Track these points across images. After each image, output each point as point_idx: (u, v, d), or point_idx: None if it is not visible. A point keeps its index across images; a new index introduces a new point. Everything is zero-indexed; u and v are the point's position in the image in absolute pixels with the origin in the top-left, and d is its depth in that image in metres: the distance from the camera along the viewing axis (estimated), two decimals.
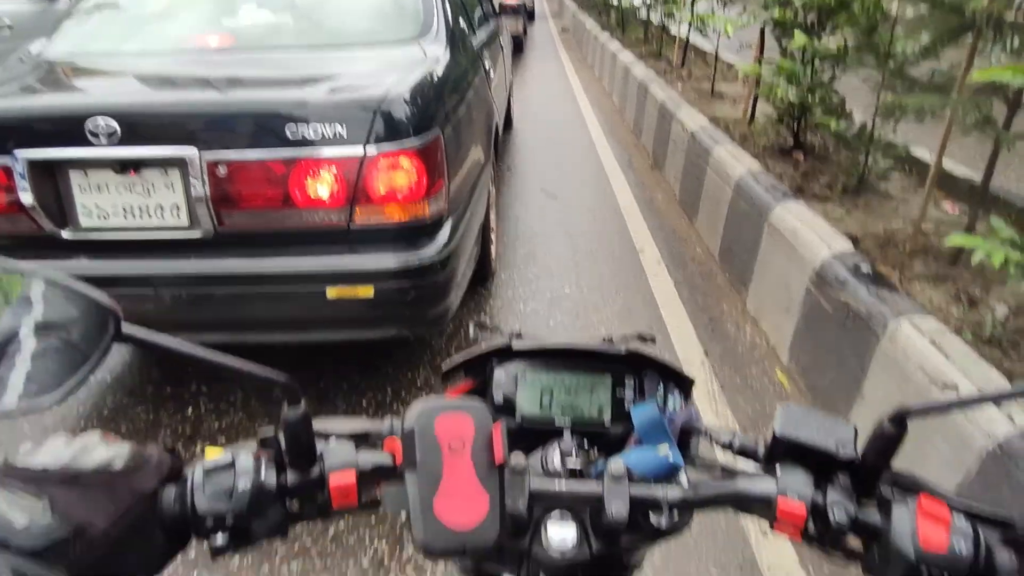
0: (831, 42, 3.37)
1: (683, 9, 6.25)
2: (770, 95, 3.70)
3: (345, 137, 1.79)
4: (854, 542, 0.50)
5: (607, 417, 0.68)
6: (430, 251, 1.93)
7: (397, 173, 1.84)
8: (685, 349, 2.69)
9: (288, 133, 1.78)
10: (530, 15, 14.44)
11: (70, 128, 1.75)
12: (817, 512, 0.48)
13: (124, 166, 1.82)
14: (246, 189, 1.83)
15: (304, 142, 1.79)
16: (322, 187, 1.83)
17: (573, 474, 0.58)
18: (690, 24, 5.58)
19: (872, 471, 0.48)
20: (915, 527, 0.45)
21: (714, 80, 5.64)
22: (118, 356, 2.59)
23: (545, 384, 0.69)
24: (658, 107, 5.07)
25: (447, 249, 1.98)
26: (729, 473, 0.55)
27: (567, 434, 0.61)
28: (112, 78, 2.25)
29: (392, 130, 1.82)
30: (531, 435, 0.66)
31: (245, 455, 0.48)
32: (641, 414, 0.64)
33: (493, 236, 3.17)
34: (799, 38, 3.29)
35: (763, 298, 2.85)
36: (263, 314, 1.93)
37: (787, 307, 2.56)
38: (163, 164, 1.82)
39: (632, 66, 6.57)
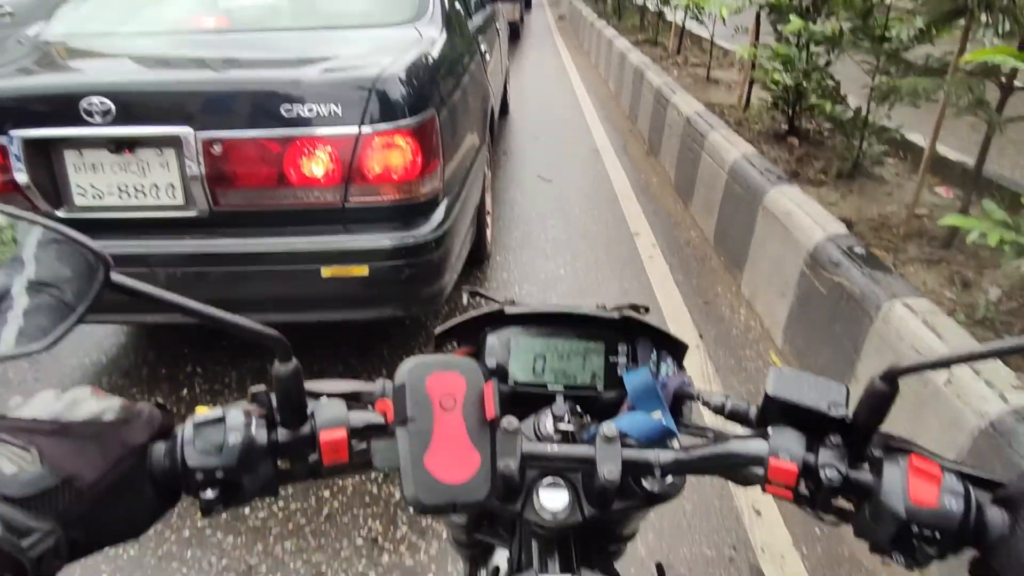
0: (826, 27, 3.36)
1: None
2: (766, 78, 3.70)
3: (340, 116, 1.79)
4: (845, 504, 0.50)
5: (600, 383, 0.68)
6: (425, 230, 1.94)
7: (392, 152, 1.84)
8: (680, 332, 2.70)
9: (283, 112, 1.78)
10: (527, 2, 14.33)
11: (65, 107, 1.75)
12: (809, 472, 0.47)
13: (119, 145, 1.81)
14: (241, 168, 1.82)
15: (299, 121, 1.78)
16: (317, 166, 1.82)
17: (566, 438, 0.58)
18: (686, 10, 5.55)
19: (864, 431, 0.48)
20: (906, 485, 0.44)
21: (710, 66, 5.62)
22: (114, 338, 2.59)
23: (538, 350, 0.69)
24: (654, 93, 5.05)
25: (442, 229, 1.98)
26: (722, 437, 0.55)
27: (560, 399, 0.61)
28: (107, 58, 2.24)
29: (387, 109, 1.82)
30: (524, 402, 0.66)
31: (236, 411, 0.47)
32: (634, 380, 0.64)
33: (489, 219, 3.17)
34: (795, 22, 3.29)
35: (757, 281, 2.86)
36: (258, 293, 1.93)
37: (781, 289, 2.57)
38: (158, 143, 1.81)
39: (628, 53, 6.54)
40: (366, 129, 1.80)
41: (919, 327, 1.79)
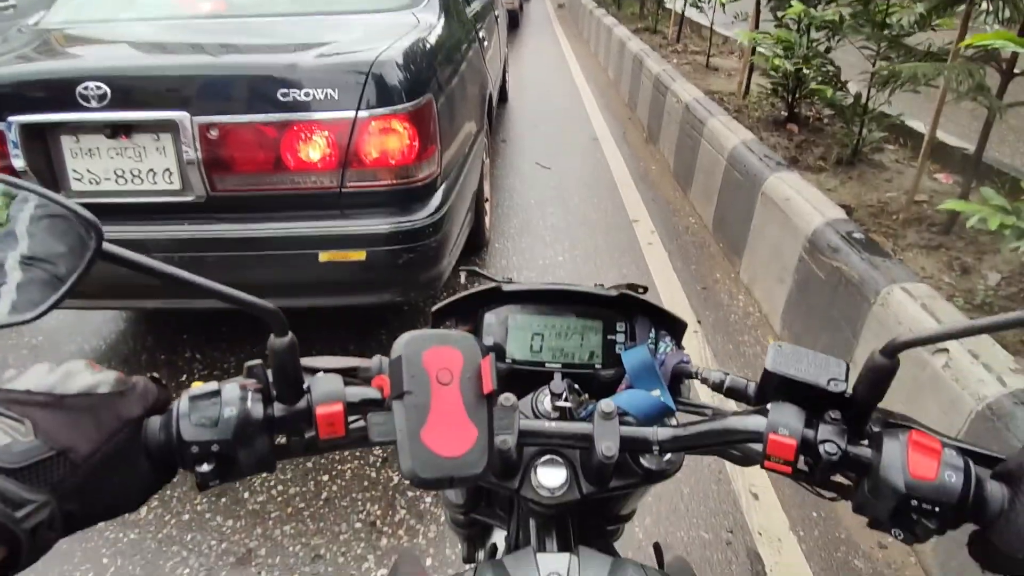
0: (827, 12, 3.33)
1: None
2: (766, 64, 3.67)
3: (337, 101, 1.78)
4: (844, 480, 0.49)
5: (598, 361, 0.68)
6: (422, 215, 1.93)
7: (389, 137, 1.83)
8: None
9: (280, 97, 1.77)
10: None
11: (62, 93, 1.75)
12: (808, 448, 0.47)
13: (115, 130, 1.80)
14: (238, 153, 1.82)
15: (296, 106, 1.78)
16: (314, 151, 1.81)
17: (563, 416, 0.58)
18: None
19: (863, 407, 0.47)
20: (906, 459, 0.44)
21: (709, 54, 5.59)
22: (112, 324, 2.59)
23: (536, 328, 0.69)
24: (653, 81, 5.03)
25: (439, 214, 1.98)
26: (720, 414, 0.55)
27: (558, 376, 0.61)
28: (104, 44, 2.24)
29: (384, 94, 1.81)
30: (521, 381, 0.66)
31: (231, 385, 0.47)
32: (632, 358, 0.64)
33: (487, 206, 3.16)
34: (796, 6, 3.26)
35: (756, 267, 2.86)
36: (255, 278, 1.92)
37: (780, 275, 2.57)
38: (154, 128, 1.81)
39: (627, 41, 6.49)
40: (363, 114, 1.79)
41: (918, 312, 1.79)
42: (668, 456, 0.55)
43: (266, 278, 1.94)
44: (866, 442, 0.47)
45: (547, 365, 0.68)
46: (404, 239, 1.89)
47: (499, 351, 0.68)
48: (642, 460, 0.56)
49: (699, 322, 2.67)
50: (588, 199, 3.89)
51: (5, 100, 1.79)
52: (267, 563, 1.65)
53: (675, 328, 0.69)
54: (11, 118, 1.76)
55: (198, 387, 0.47)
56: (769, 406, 0.49)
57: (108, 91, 1.74)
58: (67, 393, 0.42)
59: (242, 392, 0.46)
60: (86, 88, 1.73)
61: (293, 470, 1.93)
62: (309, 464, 1.95)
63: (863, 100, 3.04)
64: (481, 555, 0.92)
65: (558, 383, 0.59)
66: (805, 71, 3.46)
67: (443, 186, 2.08)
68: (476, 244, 2.97)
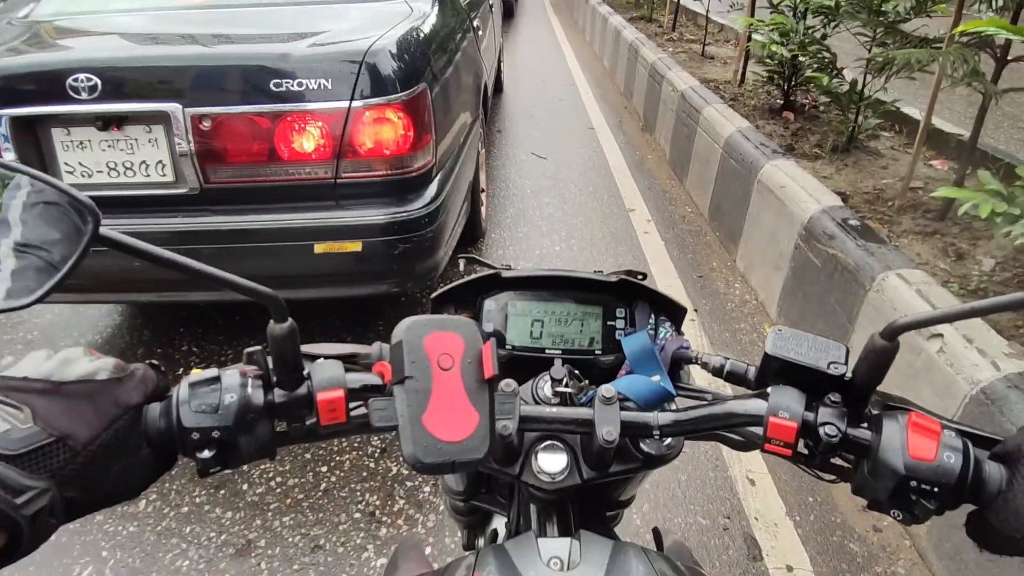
0: (824, 0, 3.32)
1: None
2: (762, 52, 3.66)
3: (330, 91, 1.77)
4: (844, 462, 0.49)
5: (598, 347, 0.68)
6: (417, 205, 1.92)
7: (383, 127, 1.82)
8: None
9: (273, 87, 1.76)
10: None
11: (51, 85, 1.73)
12: (808, 431, 0.47)
13: (106, 122, 1.79)
14: (231, 144, 1.80)
15: (289, 96, 1.76)
16: (308, 141, 1.80)
17: (564, 401, 0.58)
18: None
19: (863, 390, 0.47)
20: (905, 440, 0.44)
21: (705, 42, 5.56)
22: (108, 318, 2.58)
23: (536, 314, 0.69)
24: (648, 69, 5.00)
25: (435, 204, 1.97)
26: (720, 398, 0.55)
27: (558, 362, 0.61)
28: (95, 36, 2.21)
29: (378, 84, 1.79)
30: (522, 367, 0.66)
31: (231, 371, 0.47)
32: (632, 343, 0.64)
33: (484, 196, 3.15)
34: None
35: (752, 255, 2.86)
36: (250, 270, 1.90)
37: (776, 263, 2.57)
38: (146, 120, 1.79)
39: (623, 29, 6.46)
40: (357, 103, 1.78)
41: (913, 298, 1.79)
42: (668, 441, 0.56)
43: (261, 270, 1.93)
44: (865, 424, 0.48)
45: (547, 351, 0.68)
46: (400, 230, 1.89)
47: (499, 337, 0.68)
48: (642, 445, 0.56)
49: (696, 310, 2.67)
50: (584, 188, 3.88)
51: None
52: (267, 554, 1.65)
53: (675, 314, 0.69)
54: (1, 111, 1.75)
55: (197, 374, 0.47)
56: (769, 390, 0.50)
57: (99, 83, 1.72)
58: (65, 380, 0.41)
59: (242, 378, 0.46)
60: (76, 80, 1.71)
61: (292, 461, 1.93)
62: (307, 455, 1.95)
63: (859, 87, 3.03)
64: (481, 542, 0.93)
65: (558, 369, 0.60)
66: (801, 58, 3.45)
67: (438, 176, 2.07)
68: (472, 234, 2.97)
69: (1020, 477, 0.43)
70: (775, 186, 2.64)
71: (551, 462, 0.55)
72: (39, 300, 0.39)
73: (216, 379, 0.46)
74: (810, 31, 3.44)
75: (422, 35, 2.12)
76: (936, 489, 0.43)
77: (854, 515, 1.77)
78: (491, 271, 0.69)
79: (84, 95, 1.73)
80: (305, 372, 0.48)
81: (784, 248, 2.50)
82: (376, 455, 1.96)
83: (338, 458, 1.95)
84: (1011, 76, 2.30)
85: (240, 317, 2.52)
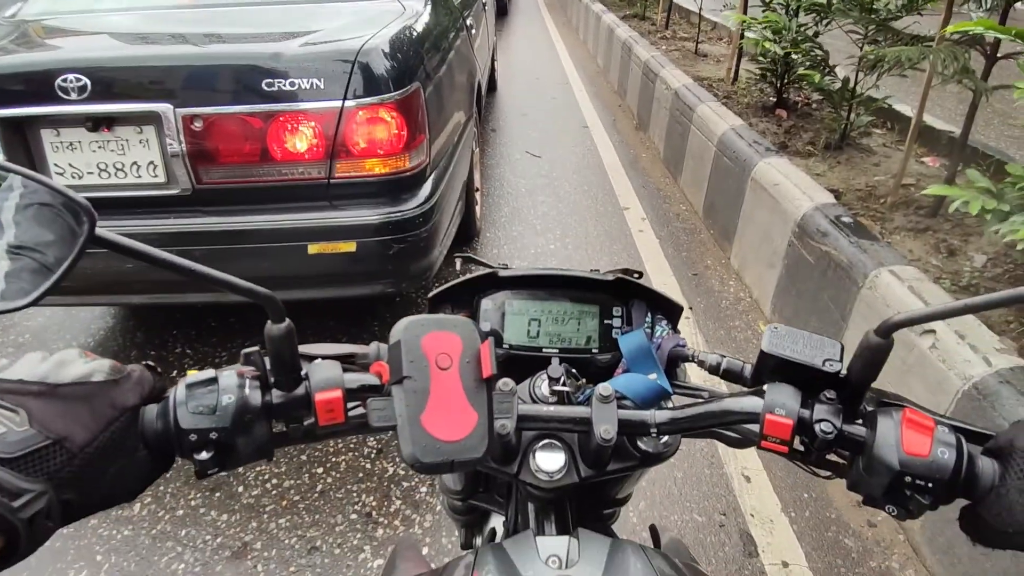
0: None
1: None
2: (756, 48, 3.67)
3: (323, 90, 1.76)
4: (839, 459, 0.50)
5: (595, 346, 0.68)
6: (412, 205, 1.92)
7: (376, 126, 1.81)
8: None
9: (265, 87, 1.75)
10: None
11: (40, 85, 1.71)
12: (804, 427, 0.48)
13: (97, 123, 1.77)
14: (223, 145, 1.80)
15: (281, 96, 1.76)
16: (300, 141, 1.80)
17: (561, 400, 0.58)
18: None
19: (858, 386, 0.48)
20: (900, 436, 0.45)
21: (698, 40, 5.57)
22: (101, 321, 2.56)
23: (533, 313, 0.69)
24: (642, 67, 5.01)
25: (429, 203, 1.96)
26: (717, 396, 0.55)
27: (555, 361, 0.61)
28: (84, 35, 2.20)
29: (371, 83, 1.79)
30: (519, 366, 0.66)
31: (229, 372, 0.47)
32: (629, 342, 0.64)
33: (478, 196, 3.15)
34: None
35: (746, 253, 2.87)
36: (244, 272, 1.85)
37: (770, 260, 2.58)
38: (137, 120, 1.78)
39: (616, 27, 6.46)
40: (350, 103, 1.77)
41: (906, 294, 1.80)
42: (665, 439, 0.56)
43: (255, 271, 1.92)
44: (860, 421, 0.48)
45: (544, 350, 0.68)
46: (394, 230, 1.88)
47: (496, 337, 0.68)
48: (640, 443, 0.56)
49: (690, 308, 2.68)
50: (579, 187, 3.88)
51: None
52: (263, 556, 1.65)
53: (671, 312, 0.70)
54: None
55: (194, 375, 0.47)
56: (765, 387, 0.50)
57: (88, 83, 1.71)
58: (61, 382, 0.41)
59: (240, 379, 0.46)
60: (65, 80, 1.70)
61: (287, 463, 1.93)
62: (303, 456, 1.95)
63: (851, 84, 3.04)
64: (479, 541, 0.93)
65: (556, 368, 0.60)
66: (794, 56, 3.46)
67: (432, 175, 2.06)
68: (467, 234, 2.96)
69: (1012, 472, 0.43)
70: (768, 184, 2.65)
71: (549, 461, 0.55)
72: (35, 302, 0.39)
73: (213, 380, 0.46)
74: (802, 29, 3.45)
75: (415, 34, 2.11)
76: (930, 484, 0.44)
77: (849, 510, 1.78)
78: (488, 270, 0.69)
79: (73, 96, 1.71)
80: (303, 373, 0.48)
81: (778, 245, 2.51)
82: (372, 456, 1.96)
83: (334, 459, 1.94)
84: (1001, 73, 2.32)
85: (234, 318, 2.51)
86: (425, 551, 1.66)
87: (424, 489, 1.84)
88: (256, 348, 0.48)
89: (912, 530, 1.69)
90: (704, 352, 0.61)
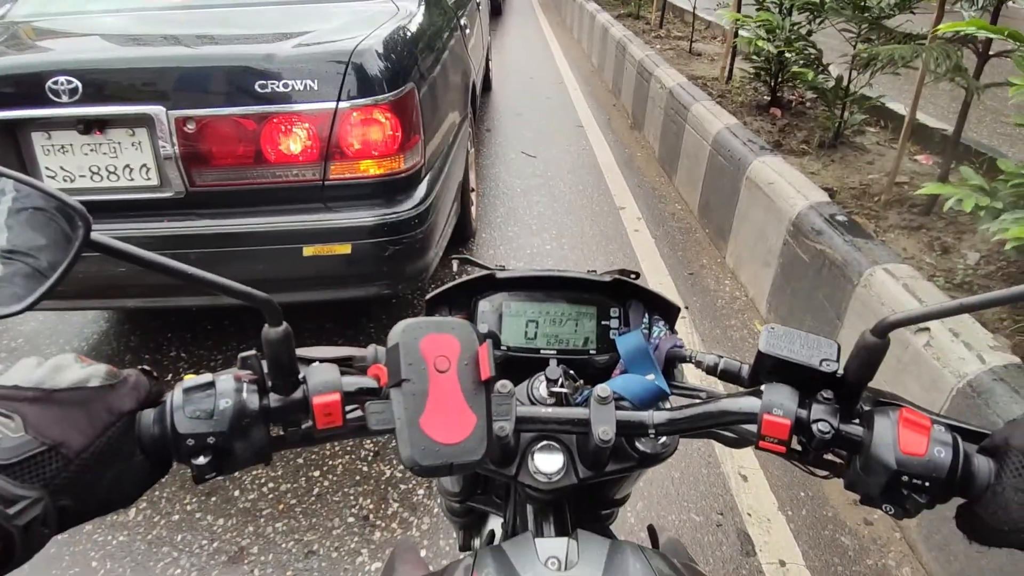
0: None
1: None
2: (749, 47, 3.68)
3: (317, 91, 1.75)
4: (836, 458, 0.50)
5: (593, 347, 0.68)
6: (407, 206, 1.91)
7: (371, 127, 1.81)
8: None
9: (258, 88, 1.74)
10: None
11: (31, 88, 1.70)
12: (801, 427, 0.48)
13: (88, 126, 1.76)
14: (217, 147, 1.79)
15: (275, 97, 1.75)
16: (295, 143, 1.79)
17: (559, 401, 0.58)
18: None
19: (855, 386, 0.48)
20: (896, 436, 0.45)
21: (692, 39, 5.58)
22: (94, 325, 2.55)
23: (530, 315, 0.69)
24: (636, 66, 5.02)
25: (424, 204, 1.96)
26: (715, 396, 0.55)
27: (553, 363, 0.61)
28: (74, 37, 2.18)
29: (365, 84, 1.78)
30: (517, 368, 0.66)
31: (226, 376, 0.46)
32: (627, 343, 0.64)
33: (473, 196, 3.14)
34: None
35: (742, 251, 2.88)
36: (238, 275, 1.85)
37: (765, 259, 2.59)
38: (129, 123, 1.77)
39: (610, 27, 6.47)
40: (344, 104, 1.76)
41: (900, 292, 1.81)
42: (663, 439, 0.56)
43: (249, 274, 1.91)
44: (857, 421, 0.48)
45: (542, 352, 0.68)
46: (389, 231, 1.88)
47: (494, 338, 0.68)
48: (638, 444, 0.56)
49: (686, 307, 2.68)
50: (574, 187, 3.89)
51: None
52: (260, 560, 1.64)
53: (668, 313, 0.70)
54: None
55: (191, 379, 0.46)
56: (763, 387, 0.50)
57: (79, 85, 1.70)
58: (57, 387, 0.41)
59: (237, 383, 0.46)
60: (56, 83, 1.69)
61: (284, 466, 1.92)
62: (300, 460, 1.94)
63: (844, 83, 3.05)
64: (477, 543, 0.93)
65: (554, 369, 0.60)
66: (787, 54, 3.47)
67: (428, 176, 2.06)
68: (463, 234, 2.96)
69: (1008, 470, 0.43)
70: (763, 182, 2.65)
71: (547, 462, 0.55)
72: (30, 307, 0.39)
73: (210, 384, 0.46)
74: (796, 27, 3.46)
75: (409, 34, 2.11)
76: (927, 484, 0.44)
77: (845, 509, 1.79)
78: (485, 272, 0.69)
79: (64, 98, 1.70)
80: (300, 376, 0.48)
81: (773, 244, 2.51)
82: (369, 459, 1.95)
83: (331, 462, 1.93)
84: (992, 71, 2.33)
85: (228, 321, 2.50)
86: (423, 554, 1.66)
87: (421, 491, 1.83)
88: (253, 352, 0.48)
89: (908, 528, 1.69)
90: (702, 353, 0.62)
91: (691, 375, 0.65)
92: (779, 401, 0.48)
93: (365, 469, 1.91)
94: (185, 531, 1.72)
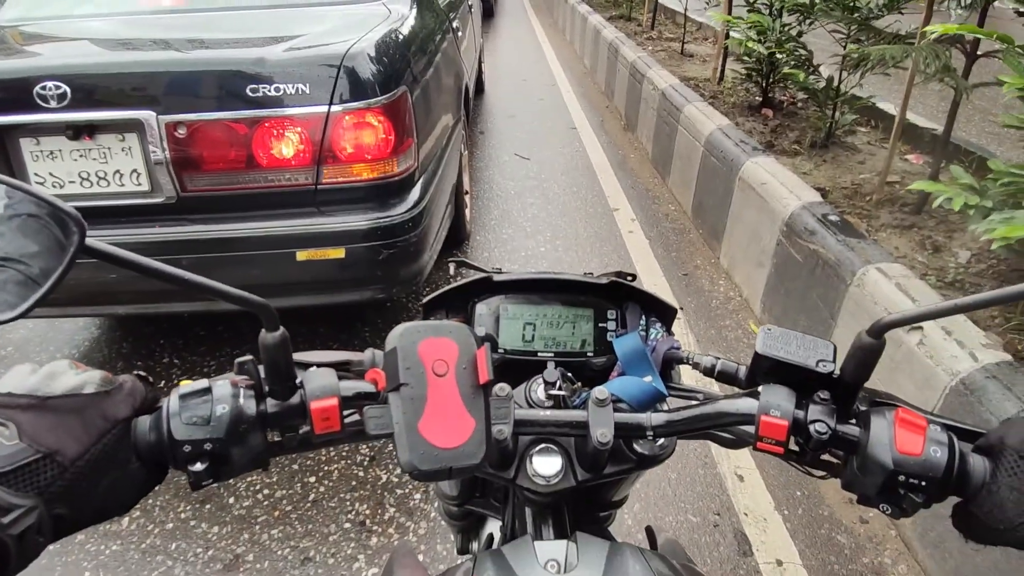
0: None
1: None
2: (741, 48, 3.70)
3: (308, 95, 1.75)
4: (833, 458, 0.50)
5: (590, 349, 0.68)
6: (401, 210, 1.91)
7: (364, 131, 1.80)
8: None
9: (249, 92, 1.73)
10: None
11: (18, 93, 1.68)
12: (798, 428, 0.48)
13: (78, 131, 1.75)
14: (208, 152, 1.78)
15: (266, 101, 1.74)
16: (287, 147, 1.78)
17: (557, 404, 0.58)
18: None
19: (851, 387, 0.48)
20: (893, 436, 0.45)
21: (684, 40, 5.60)
22: (86, 332, 2.53)
23: (528, 318, 0.69)
24: (629, 68, 5.03)
25: (418, 208, 1.95)
26: (712, 398, 0.55)
27: (551, 365, 0.61)
28: (62, 41, 2.16)
29: (357, 87, 1.78)
30: (514, 370, 0.66)
31: (222, 382, 0.46)
32: (624, 345, 0.64)
33: (467, 199, 3.14)
34: None
35: (735, 252, 2.88)
36: (231, 280, 1.84)
37: (759, 259, 2.59)
38: (119, 128, 1.76)
39: (602, 29, 6.49)
40: (336, 108, 1.76)
41: (893, 291, 1.82)
42: (661, 441, 0.56)
43: (243, 280, 1.90)
44: (854, 421, 0.48)
45: (540, 354, 0.68)
46: (383, 235, 1.87)
47: (491, 341, 0.68)
48: (636, 446, 0.56)
49: (681, 308, 2.69)
50: (568, 188, 3.89)
51: None
52: (255, 568, 1.63)
53: (665, 314, 0.70)
54: None
55: (187, 385, 0.46)
56: (760, 388, 0.50)
57: (68, 90, 1.68)
58: (51, 394, 0.41)
59: (234, 389, 0.46)
60: (44, 88, 1.67)
61: (279, 472, 1.91)
62: (295, 466, 1.93)
63: (835, 83, 3.07)
64: (475, 546, 0.92)
65: (551, 372, 0.60)
66: (778, 55, 3.49)
67: (421, 180, 2.05)
68: (457, 237, 2.96)
69: (1003, 469, 0.44)
70: (756, 183, 2.66)
71: (546, 465, 0.55)
72: (23, 315, 0.38)
73: (207, 390, 0.45)
74: (786, 28, 3.48)
75: (401, 37, 2.10)
76: (923, 483, 0.44)
77: (841, 508, 1.79)
78: (482, 275, 0.69)
79: (53, 103, 1.69)
80: (297, 381, 0.47)
81: (766, 244, 2.52)
82: (365, 463, 1.94)
83: (326, 468, 1.92)
84: (980, 71, 2.35)
85: (222, 327, 2.48)
86: (420, 559, 1.65)
87: (418, 496, 1.83)
88: (250, 357, 0.47)
89: (904, 526, 1.70)
90: (698, 354, 0.62)
91: (688, 377, 0.65)
92: (776, 402, 0.48)
93: (361, 474, 1.90)
94: (179, 539, 1.70)
